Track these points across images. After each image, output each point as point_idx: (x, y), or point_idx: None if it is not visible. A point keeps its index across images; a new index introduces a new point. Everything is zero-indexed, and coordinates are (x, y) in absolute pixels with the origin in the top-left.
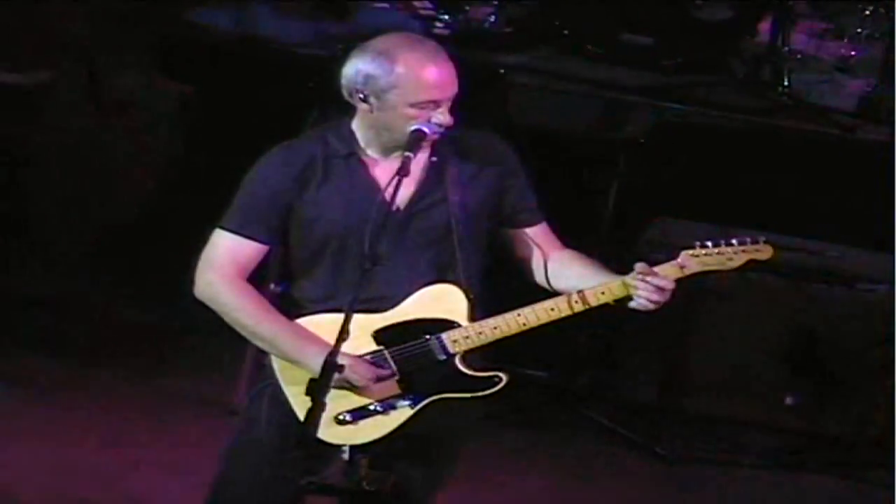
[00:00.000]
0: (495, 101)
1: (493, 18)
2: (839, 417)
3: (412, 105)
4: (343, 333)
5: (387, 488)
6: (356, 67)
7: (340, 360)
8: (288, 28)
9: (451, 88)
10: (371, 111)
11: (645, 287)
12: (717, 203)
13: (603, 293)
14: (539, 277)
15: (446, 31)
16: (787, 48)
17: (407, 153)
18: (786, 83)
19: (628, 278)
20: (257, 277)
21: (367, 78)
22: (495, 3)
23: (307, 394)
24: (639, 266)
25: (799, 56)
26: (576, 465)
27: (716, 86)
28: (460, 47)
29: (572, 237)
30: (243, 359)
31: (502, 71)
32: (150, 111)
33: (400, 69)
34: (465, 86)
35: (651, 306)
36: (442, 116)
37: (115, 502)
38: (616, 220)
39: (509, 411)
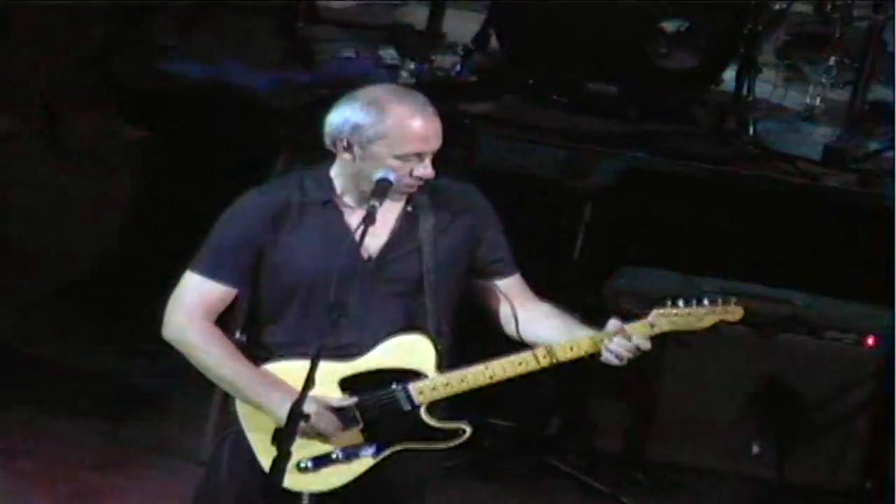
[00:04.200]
0: (461, 150)
1: (458, 67)
2: (806, 467)
3: (397, 157)
4: (308, 382)
5: None
6: (344, 116)
7: (308, 408)
8: (254, 76)
9: (436, 141)
10: (354, 160)
11: (615, 346)
12: (683, 251)
13: (572, 349)
14: (510, 329)
15: (412, 81)
16: (751, 97)
17: (373, 202)
18: (751, 131)
19: (600, 336)
20: (221, 324)
21: (355, 127)
22: (461, 52)
23: (273, 442)
24: (611, 324)
25: (764, 105)
26: None
27: (681, 134)
28: (425, 96)
29: (538, 285)
30: (210, 406)
31: (467, 120)
32: (112, 159)
33: (389, 120)
34: None
35: (619, 363)
36: (424, 169)
37: None
38: (582, 268)
39: (474, 459)
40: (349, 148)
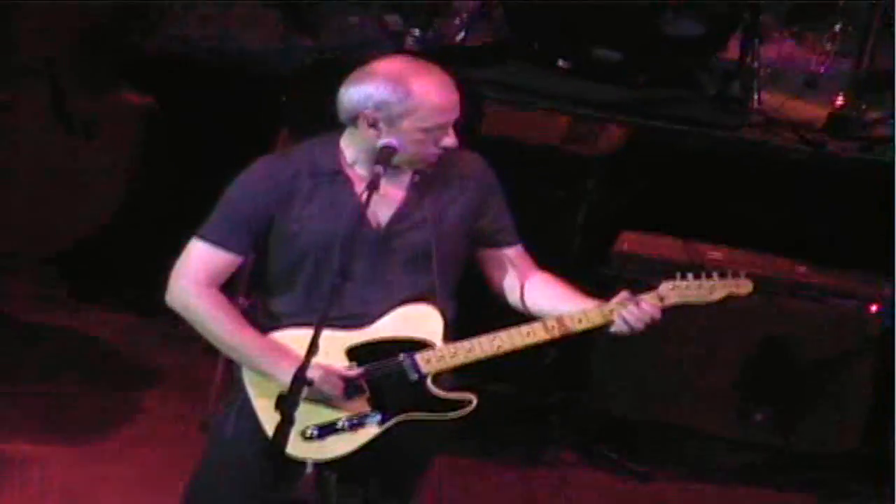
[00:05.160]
0: (465, 117)
1: (463, 33)
2: (808, 432)
3: (424, 130)
4: (313, 347)
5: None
6: (366, 93)
7: (311, 372)
8: (258, 42)
9: (458, 111)
10: (379, 136)
11: (629, 315)
12: (686, 218)
13: (580, 320)
14: (513, 299)
15: (416, 47)
16: (756, 64)
17: (377, 168)
18: (755, 98)
19: (610, 307)
20: (225, 289)
21: (380, 104)
22: (466, 18)
23: (277, 408)
24: (621, 295)
25: (768, 71)
26: (547, 481)
27: (685, 101)
28: (431, 62)
29: (541, 252)
30: (214, 372)
31: (472, 86)
32: (116, 127)
33: (415, 95)
34: None
35: (630, 333)
36: (449, 139)
37: None
38: (585, 234)
39: (480, 426)
40: (374, 124)
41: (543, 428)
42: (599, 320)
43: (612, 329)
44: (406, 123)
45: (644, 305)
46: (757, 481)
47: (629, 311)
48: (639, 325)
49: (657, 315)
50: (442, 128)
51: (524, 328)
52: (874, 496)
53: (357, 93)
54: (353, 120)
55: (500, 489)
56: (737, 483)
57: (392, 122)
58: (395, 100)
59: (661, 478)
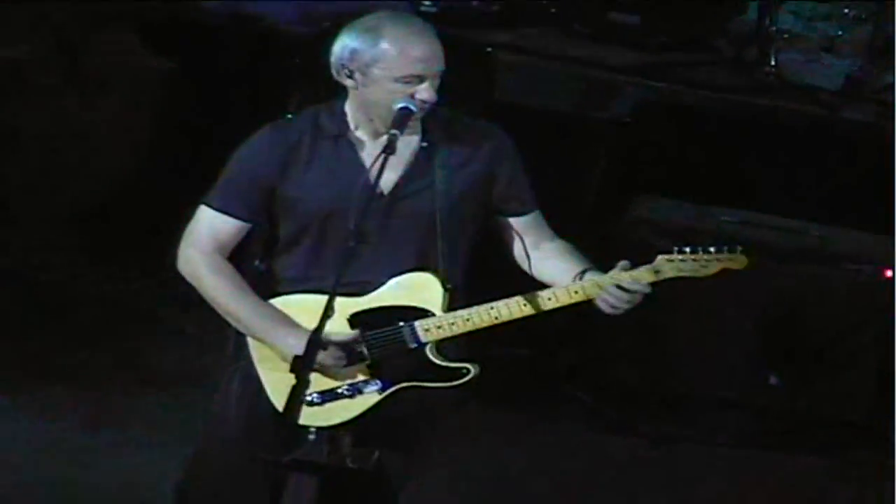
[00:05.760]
0: (481, 80)
1: None
2: (822, 398)
3: (396, 80)
4: (327, 311)
5: (369, 465)
6: (343, 43)
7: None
8: (273, 6)
9: (437, 64)
10: (356, 87)
11: (610, 294)
12: (701, 182)
13: (576, 292)
14: (525, 267)
15: (433, 10)
16: (773, 28)
17: (393, 131)
18: (772, 62)
19: (604, 280)
20: (241, 254)
21: (353, 53)
22: None
23: (291, 371)
24: (620, 264)
25: (785, 35)
26: (557, 444)
27: (702, 65)
28: (447, 25)
29: (556, 216)
30: (225, 335)
31: (489, 49)
32: (131, 89)
33: (384, 43)
34: (452, 64)
35: (615, 312)
36: (426, 92)
37: (97, 481)
38: (600, 198)
39: (491, 390)
40: (351, 75)
41: (554, 392)
42: (594, 293)
43: (599, 306)
44: (377, 72)
45: (626, 285)
46: (765, 446)
47: (606, 294)
48: (619, 305)
49: (643, 291)
50: (416, 79)
51: (521, 299)
52: (881, 464)
53: (337, 46)
54: (338, 73)
55: (509, 449)
56: (745, 448)
57: (365, 71)
58: (366, 47)
59: (671, 441)
